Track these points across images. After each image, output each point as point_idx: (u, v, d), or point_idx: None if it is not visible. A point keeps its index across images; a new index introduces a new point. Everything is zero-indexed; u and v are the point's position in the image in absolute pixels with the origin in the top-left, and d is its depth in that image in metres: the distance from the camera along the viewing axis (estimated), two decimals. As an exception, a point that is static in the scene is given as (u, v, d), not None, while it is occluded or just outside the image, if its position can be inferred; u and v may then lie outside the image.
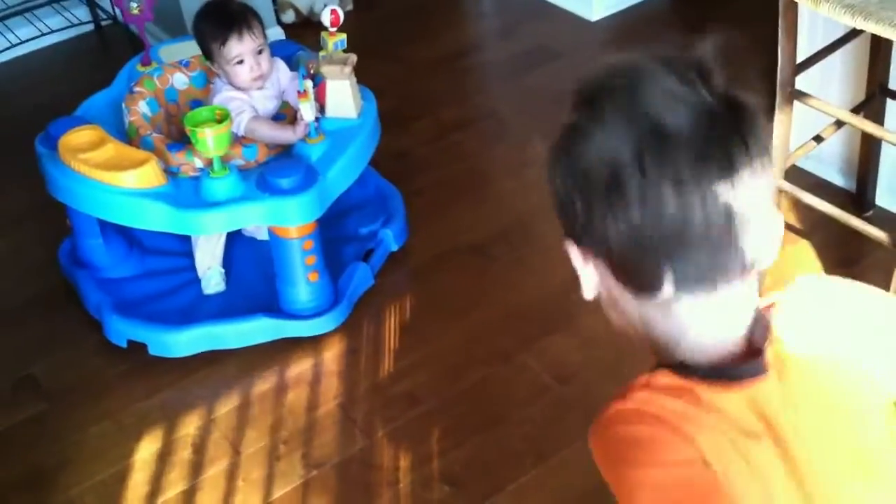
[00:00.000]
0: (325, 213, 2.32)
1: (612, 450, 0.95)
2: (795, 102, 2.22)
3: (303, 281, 2.34)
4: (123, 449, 2.18)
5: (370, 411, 2.22)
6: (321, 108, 2.40)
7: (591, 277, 0.98)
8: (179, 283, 2.51)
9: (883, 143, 2.47)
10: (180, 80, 2.60)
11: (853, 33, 2.24)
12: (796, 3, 2.07)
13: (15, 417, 2.29)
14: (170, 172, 2.30)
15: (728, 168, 0.87)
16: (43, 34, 3.64)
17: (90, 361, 2.41)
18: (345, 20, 2.46)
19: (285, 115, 2.51)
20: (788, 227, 2.35)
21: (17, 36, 3.61)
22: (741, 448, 0.91)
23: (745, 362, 0.94)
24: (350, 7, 3.81)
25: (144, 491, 2.09)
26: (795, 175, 2.58)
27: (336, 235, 2.55)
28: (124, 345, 2.38)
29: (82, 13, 3.78)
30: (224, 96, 2.39)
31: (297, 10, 3.75)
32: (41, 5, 3.67)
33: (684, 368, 0.95)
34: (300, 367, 2.34)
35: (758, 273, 0.94)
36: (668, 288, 0.92)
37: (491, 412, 2.19)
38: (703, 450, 0.89)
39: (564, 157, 0.92)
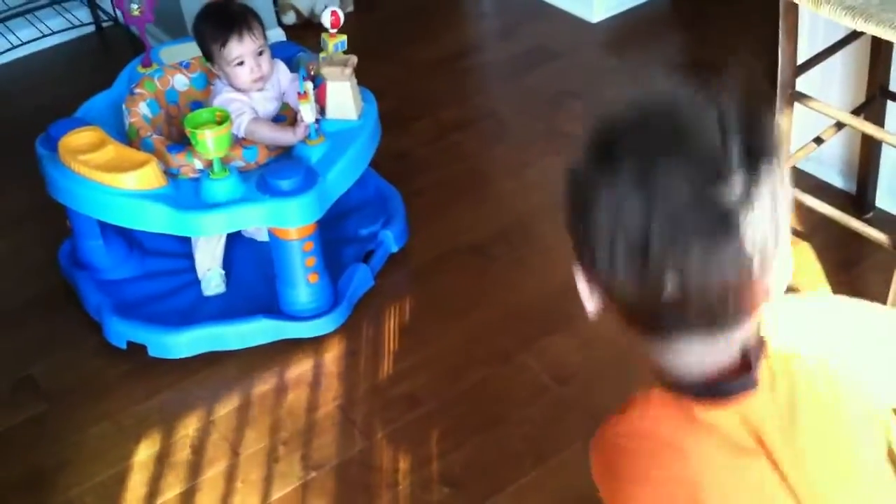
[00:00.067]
0: (326, 215, 2.32)
1: (607, 465, 0.96)
2: (796, 104, 2.22)
3: (303, 282, 2.34)
4: (123, 450, 2.18)
5: (370, 413, 2.22)
6: (321, 110, 2.40)
7: (595, 301, 0.98)
8: (179, 284, 2.51)
9: (883, 144, 2.46)
10: (181, 81, 2.60)
11: (853, 35, 2.24)
12: (797, 4, 2.07)
13: (15, 418, 2.29)
14: (170, 174, 2.30)
15: (737, 256, 0.87)
16: (44, 35, 3.65)
17: (90, 362, 2.41)
18: (345, 21, 2.46)
19: (285, 116, 2.51)
20: (788, 228, 2.35)
21: (18, 37, 3.61)
22: (734, 464, 0.92)
23: (738, 377, 0.94)
24: (351, 8, 3.81)
25: (143, 492, 2.09)
26: (796, 177, 2.58)
27: (336, 237, 2.55)
28: (124, 346, 2.38)
29: (83, 14, 3.79)
30: (224, 98, 2.39)
31: (297, 12, 3.76)
32: (42, 6, 3.67)
33: (679, 386, 0.96)
34: (300, 369, 2.34)
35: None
36: (668, 336, 0.93)
37: (490, 413, 2.19)
38: (697, 467, 0.90)
39: (580, 200, 0.92)
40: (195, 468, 2.13)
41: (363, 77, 2.48)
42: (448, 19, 3.85)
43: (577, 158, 0.93)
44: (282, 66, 2.51)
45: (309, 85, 2.28)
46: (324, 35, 2.44)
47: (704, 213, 0.85)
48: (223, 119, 2.21)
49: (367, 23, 3.73)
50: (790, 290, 0.96)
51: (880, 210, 2.61)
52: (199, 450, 2.17)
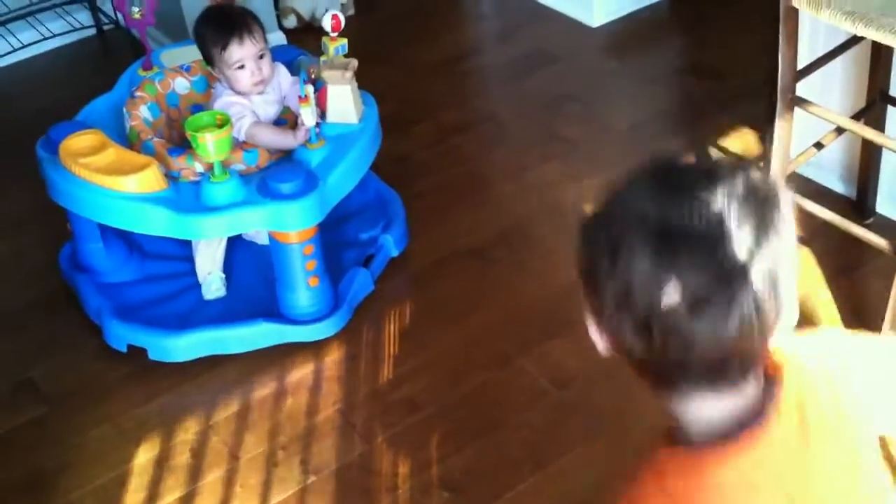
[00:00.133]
0: (326, 218, 2.32)
1: None
2: (796, 109, 2.22)
3: (303, 286, 2.34)
4: (123, 453, 2.18)
5: (369, 417, 2.22)
6: (322, 114, 2.40)
7: (606, 346, 1.00)
8: (179, 287, 2.51)
9: (883, 150, 2.47)
10: (182, 84, 2.60)
11: (854, 40, 2.24)
12: (797, 9, 2.07)
13: (15, 421, 2.29)
14: (170, 177, 2.31)
15: (741, 319, 0.89)
16: (45, 38, 3.65)
17: (90, 365, 2.41)
18: (346, 25, 2.46)
19: (286, 120, 2.51)
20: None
21: (19, 40, 3.61)
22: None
23: (749, 423, 0.96)
24: (351, 12, 3.82)
25: (143, 496, 2.09)
26: (796, 182, 2.58)
27: (336, 240, 2.56)
28: (124, 349, 2.38)
29: (84, 17, 3.79)
30: (225, 101, 2.39)
31: (298, 15, 3.76)
32: (44, 9, 3.67)
33: (691, 439, 0.98)
34: (300, 373, 2.34)
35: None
36: (677, 390, 0.96)
37: (490, 417, 2.19)
38: None
39: (588, 260, 0.96)
40: (195, 472, 2.13)
41: (364, 80, 2.48)
42: (448, 22, 3.85)
43: (588, 217, 0.98)
44: (283, 70, 2.51)
45: (310, 88, 2.28)
46: (324, 39, 2.45)
47: (708, 281, 0.87)
48: (224, 122, 2.21)
49: (368, 26, 3.73)
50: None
51: (880, 215, 2.61)
52: (198, 454, 2.17)
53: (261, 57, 2.40)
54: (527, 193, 2.83)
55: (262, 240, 2.53)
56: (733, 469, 0.94)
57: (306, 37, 3.54)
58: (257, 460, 2.14)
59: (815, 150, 2.42)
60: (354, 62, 2.40)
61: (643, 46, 3.53)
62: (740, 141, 2.95)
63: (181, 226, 2.25)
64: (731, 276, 0.87)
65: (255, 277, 2.52)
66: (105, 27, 3.84)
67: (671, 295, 0.87)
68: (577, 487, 2.02)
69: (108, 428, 2.25)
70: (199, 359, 2.36)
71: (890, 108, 2.42)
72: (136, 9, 2.61)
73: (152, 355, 2.36)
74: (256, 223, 2.28)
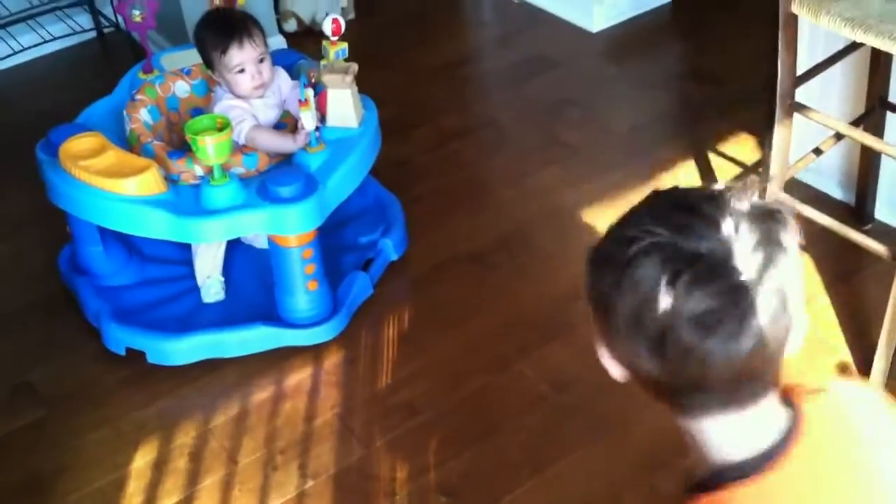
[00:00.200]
0: (325, 222, 2.32)
1: None
2: (795, 115, 2.23)
3: (302, 290, 2.34)
4: (121, 456, 2.18)
5: (368, 421, 2.22)
6: (322, 117, 2.40)
7: (622, 373, 1.01)
8: (178, 291, 2.51)
9: (882, 156, 2.47)
10: (182, 88, 2.60)
11: (853, 46, 2.24)
12: (796, 15, 2.07)
13: (13, 424, 2.29)
14: (170, 180, 2.31)
15: (754, 337, 0.91)
16: (45, 41, 3.65)
17: (89, 368, 2.41)
18: (346, 29, 2.46)
19: (286, 123, 2.51)
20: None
21: (19, 43, 3.61)
22: None
23: (774, 447, 0.97)
24: (352, 16, 3.82)
25: (141, 499, 2.09)
26: (795, 188, 2.58)
27: (335, 244, 2.56)
28: (123, 352, 2.38)
29: (85, 20, 3.79)
30: (225, 105, 2.39)
31: (298, 19, 3.76)
32: (44, 12, 3.67)
33: (720, 478, 0.97)
34: (298, 377, 2.34)
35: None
36: (694, 414, 0.97)
37: (488, 422, 2.19)
38: None
39: (599, 287, 0.97)
40: (193, 476, 2.13)
41: (364, 84, 2.48)
42: (449, 27, 3.86)
43: (597, 243, 0.99)
44: (283, 74, 2.52)
45: (310, 92, 2.28)
46: (325, 43, 2.45)
47: (719, 300, 0.89)
48: (224, 126, 2.21)
49: (368, 30, 3.73)
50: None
51: (879, 221, 2.61)
52: (197, 457, 2.17)
53: (261, 61, 2.40)
54: (526, 198, 2.83)
55: (261, 243, 2.53)
56: (759, 497, 0.95)
57: (306, 41, 3.55)
58: (256, 464, 2.14)
59: (814, 155, 2.42)
60: (355, 66, 2.41)
61: (643, 52, 3.54)
62: (739, 146, 2.95)
63: (181, 229, 2.25)
64: (741, 294, 0.89)
65: (253, 281, 2.52)
66: (105, 30, 3.84)
67: (683, 316, 0.89)
68: (575, 492, 2.02)
69: (106, 431, 2.25)
70: (198, 362, 2.36)
71: (889, 114, 2.42)
72: (136, 12, 2.61)
73: (151, 358, 2.36)
74: (256, 227, 2.28)
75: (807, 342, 0.99)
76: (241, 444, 2.19)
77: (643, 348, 0.93)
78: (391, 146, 2.68)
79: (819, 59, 2.33)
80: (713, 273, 0.89)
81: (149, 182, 2.24)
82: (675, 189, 0.99)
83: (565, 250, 2.64)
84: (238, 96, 2.41)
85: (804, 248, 0.96)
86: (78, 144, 2.31)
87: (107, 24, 3.81)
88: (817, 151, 2.41)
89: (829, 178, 2.71)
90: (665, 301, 0.89)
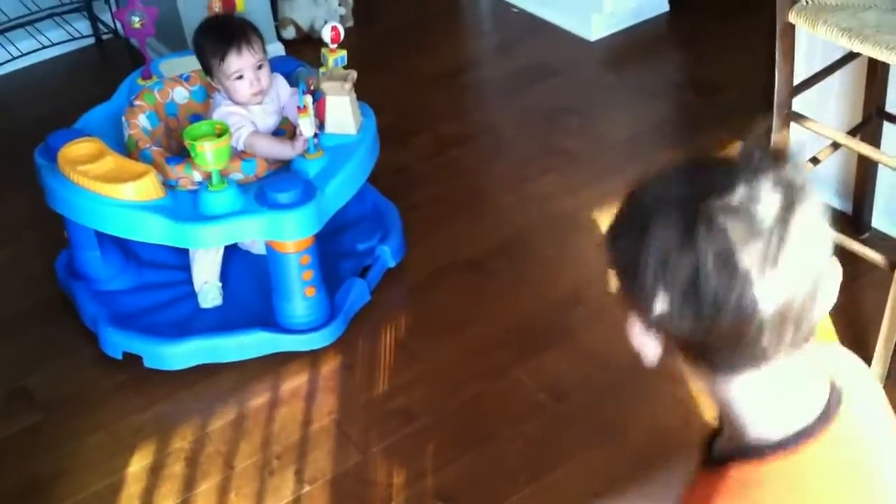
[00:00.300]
0: (323, 229, 2.32)
1: None
2: (792, 124, 2.23)
3: (299, 295, 2.35)
4: (118, 461, 2.18)
5: (365, 427, 2.22)
6: (321, 124, 2.41)
7: (653, 349, 0.98)
8: (175, 296, 2.51)
9: (879, 165, 2.48)
10: (181, 94, 2.61)
11: (850, 56, 2.25)
12: (794, 25, 2.08)
13: (10, 428, 2.29)
14: (168, 185, 2.31)
15: (786, 282, 0.89)
16: (44, 47, 3.65)
17: (86, 373, 2.41)
18: (345, 37, 2.47)
19: (285, 130, 2.51)
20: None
21: (17, 48, 3.62)
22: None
23: (814, 413, 0.96)
24: (350, 24, 3.83)
25: (137, 504, 2.09)
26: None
27: (333, 251, 2.56)
28: (120, 357, 2.38)
29: (83, 27, 3.80)
30: (223, 111, 2.40)
31: (297, 27, 3.77)
32: (42, 19, 3.68)
33: (756, 452, 0.96)
34: (295, 382, 2.34)
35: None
36: (730, 370, 0.95)
37: (486, 428, 2.19)
38: None
39: (626, 248, 0.94)
40: (189, 480, 2.13)
41: (362, 92, 2.49)
42: (447, 35, 3.87)
43: (619, 209, 0.97)
44: (281, 81, 2.52)
45: (308, 99, 2.29)
46: (324, 50, 2.46)
47: (748, 241, 0.87)
48: (222, 132, 2.21)
49: (367, 38, 3.75)
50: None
51: (876, 230, 2.62)
52: (193, 462, 2.17)
53: (259, 67, 2.40)
54: (525, 205, 2.84)
55: (258, 249, 2.53)
56: (795, 468, 0.93)
57: (305, 48, 3.56)
58: (252, 469, 2.14)
59: (811, 164, 2.42)
60: (353, 74, 2.41)
61: (641, 60, 3.55)
62: (737, 155, 2.95)
63: (178, 234, 2.25)
64: (766, 238, 0.87)
65: (251, 287, 2.52)
66: (104, 37, 3.85)
67: (709, 262, 0.87)
68: (572, 499, 2.02)
69: (103, 435, 2.24)
70: (195, 367, 2.36)
71: (886, 123, 2.43)
72: (136, 18, 2.62)
73: (148, 363, 2.36)
74: (254, 232, 2.28)
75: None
76: (237, 449, 2.19)
77: (674, 305, 0.90)
78: (390, 153, 2.69)
79: (816, 69, 2.34)
80: (736, 218, 0.87)
81: (147, 187, 2.24)
82: (697, 154, 0.99)
83: (564, 257, 2.64)
84: (237, 103, 2.42)
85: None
86: (76, 149, 2.32)
87: (105, 30, 3.82)
88: (814, 160, 2.42)
89: (826, 187, 2.71)
90: (690, 250, 0.87)
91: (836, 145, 2.38)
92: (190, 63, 2.58)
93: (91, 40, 3.84)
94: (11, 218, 2.94)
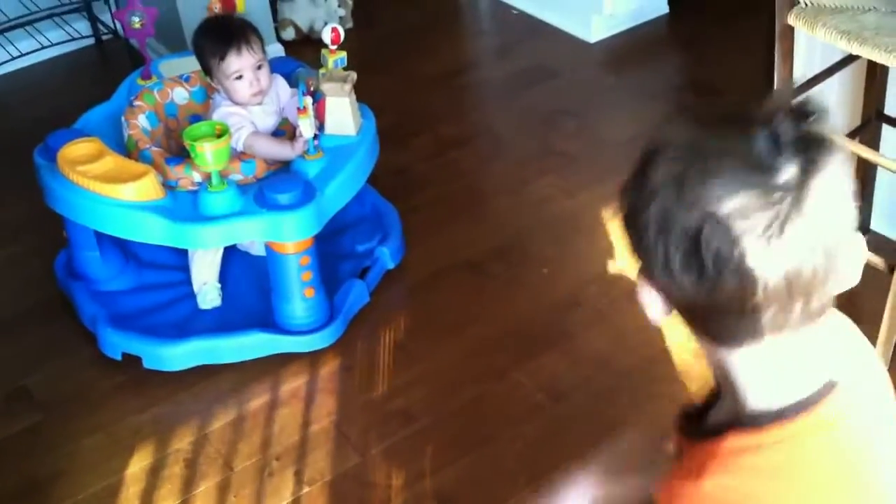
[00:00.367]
0: (322, 230, 2.32)
1: None
2: (792, 126, 2.23)
3: (299, 297, 2.35)
4: (117, 462, 2.17)
5: (364, 428, 2.22)
6: (320, 125, 2.41)
7: (658, 308, 0.93)
8: (175, 296, 2.51)
9: (878, 168, 2.48)
10: (180, 94, 2.61)
11: (849, 58, 2.25)
12: (793, 27, 2.08)
13: (9, 428, 2.28)
14: (168, 186, 2.31)
15: (797, 250, 0.83)
16: (43, 47, 3.65)
17: (85, 373, 2.40)
18: (345, 38, 2.47)
19: (284, 131, 2.51)
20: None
21: (17, 49, 3.62)
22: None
23: (819, 387, 0.93)
24: (350, 25, 3.83)
25: (136, 505, 2.09)
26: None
27: (333, 252, 2.56)
28: (119, 357, 2.38)
29: (83, 27, 3.80)
30: (223, 111, 2.40)
31: (297, 28, 3.77)
32: (42, 19, 3.68)
33: (754, 421, 0.92)
34: (294, 383, 2.34)
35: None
36: (731, 341, 0.90)
37: (485, 430, 2.19)
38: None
39: (631, 205, 0.89)
40: (188, 482, 2.13)
41: (362, 93, 2.49)
42: (447, 37, 3.87)
43: (630, 167, 0.91)
44: (281, 82, 2.52)
45: (308, 100, 2.29)
46: (324, 51, 2.46)
47: (755, 203, 0.81)
48: (222, 132, 2.21)
49: (367, 39, 3.75)
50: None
51: (875, 233, 2.62)
52: (192, 463, 2.17)
53: (259, 67, 2.40)
54: (524, 207, 2.84)
55: (257, 250, 2.53)
56: (792, 439, 0.90)
57: (304, 49, 3.56)
58: (251, 470, 2.14)
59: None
60: (353, 75, 2.41)
61: (641, 62, 3.55)
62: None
63: (178, 235, 2.25)
64: (780, 196, 0.81)
65: (250, 288, 2.52)
66: (104, 37, 3.85)
67: (715, 218, 0.81)
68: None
69: (102, 436, 2.24)
70: (194, 368, 2.36)
71: (885, 126, 2.43)
72: (136, 19, 2.62)
73: (147, 364, 2.36)
74: (253, 233, 2.28)
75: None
76: (236, 450, 2.19)
77: (675, 264, 0.84)
78: (389, 154, 2.69)
79: (815, 71, 2.34)
80: (748, 172, 0.81)
81: (146, 188, 2.24)
82: (713, 102, 0.92)
83: (563, 259, 2.64)
84: (236, 103, 2.42)
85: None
86: (76, 149, 2.32)
87: (105, 30, 3.82)
88: (814, 163, 2.42)
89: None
90: (692, 209, 0.82)
91: (835, 148, 2.38)
92: (190, 64, 2.58)
93: (91, 41, 3.85)
94: (11, 218, 2.93)
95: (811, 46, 2.47)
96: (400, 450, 2.16)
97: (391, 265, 2.61)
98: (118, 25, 3.32)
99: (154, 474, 2.15)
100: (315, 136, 2.35)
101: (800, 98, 0.86)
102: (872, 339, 2.16)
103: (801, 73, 2.37)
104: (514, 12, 3.88)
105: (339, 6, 3.83)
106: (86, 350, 2.44)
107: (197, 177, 2.31)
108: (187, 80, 2.61)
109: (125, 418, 2.28)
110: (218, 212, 2.24)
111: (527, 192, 2.90)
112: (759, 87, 2.25)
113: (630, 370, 2.29)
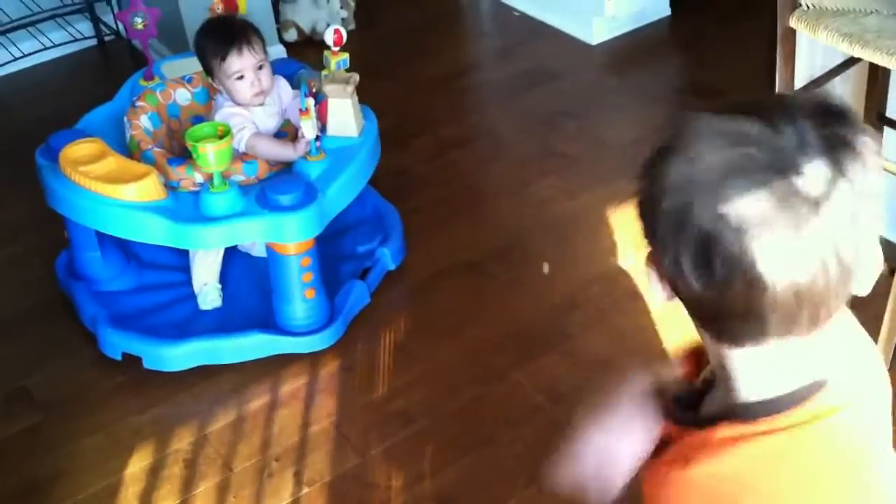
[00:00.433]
0: (324, 231, 2.32)
1: None
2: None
3: (299, 297, 2.35)
4: (116, 462, 2.18)
5: (364, 429, 2.22)
6: (322, 127, 2.41)
7: (664, 293, 0.91)
8: (175, 297, 2.51)
9: (879, 170, 2.47)
10: (183, 95, 2.61)
11: (851, 61, 2.25)
12: (794, 30, 2.08)
13: (9, 429, 2.28)
14: (170, 187, 2.31)
15: (813, 257, 0.81)
16: (46, 48, 3.66)
17: (85, 374, 2.41)
18: (347, 40, 2.48)
19: (286, 132, 2.52)
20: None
21: (19, 49, 3.62)
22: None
23: (815, 386, 0.91)
24: (352, 27, 3.83)
25: (136, 505, 2.09)
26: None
27: (333, 253, 2.56)
28: (119, 358, 2.38)
29: (85, 28, 3.80)
30: (225, 112, 2.40)
31: (299, 29, 3.77)
32: (44, 19, 3.68)
33: (747, 412, 0.91)
34: (294, 384, 2.34)
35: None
36: (736, 341, 0.89)
37: (484, 431, 2.19)
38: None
39: (646, 194, 0.87)
40: (188, 482, 2.13)
41: (364, 94, 2.49)
42: (449, 38, 3.87)
43: (647, 156, 0.88)
44: (283, 83, 2.53)
45: (310, 101, 2.29)
46: (326, 53, 2.46)
47: (774, 205, 0.79)
48: (225, 133, 2.22)
49: (369, 41, 3.75)
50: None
51: (876, 235, 2.62)
52: (192, 463, 2.17)
53: (260, 67, 2.41)
54: (525, 208, 2.84)
55: (257, 251, 2.53)
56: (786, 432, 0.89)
57: (306, 50, 3.56)
58: (251, 471, 2.14)
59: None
60: (356, 76, 2.42)
61: (642, 64, 3.55)
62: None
63: (179, 235, 2.25)
64: (800, 202, 0.78)
65: (250, 288, 2.52)
66: (106, 38, 3.85)
67: (730, 220, 0.79)
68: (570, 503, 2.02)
69: (101, 437, 2.24)
70: (194, 368, 2.36)
71: (887, 129, 2.43)
72: (138, 20, 2.63)
73: (147, 364, 2.36)
74: (255, 234, 2.28)
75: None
76: (236, 451, 2.19)
77: (687, 261, 0.82)
78: (390, 156, 2.69)
79: (817, 74, 2.34)
80: (768, 173, 0.79)
81: (148, 188, 2.24)
82: (737, 97, 0.89)
83: (563, 260, 2.64)
84: (238, 104, 2.42)
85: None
86: (78, 150, 2.32)
87: (107, 31, 3.82)
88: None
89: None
90: (710, 202, 0.80)
91: (836, 150, 2.38)
92: (192, 65, 2.58)
93: (93, 41, 3.85)
94: (12, 218, 2.94)
95: (813, 49, 2.47)
96: (400, 451, 2.16)
97: (392, 266, 2.61)
98: (121, 26, 3.32)
99: (154, 475, 2.15)
100: (317, 138, 2.35)
101: (827, 97, 0.83)
102: (872, 340, 2.16)
103: (802, 75, 2.37)
104: (516, 14, 3.88)
105: (342, 8, 3.84)
106: (86, 350, 2.44)
107: (199, 177, 2.31)
108: (190, 81, 2.62)
109: (125, 418, 2.28)
110: (219, 212, 2.24)
111: (527, 193, 2.90)
112: (760, 89, 2.25)
113: (629, 371, 2.29)
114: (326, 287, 2.40)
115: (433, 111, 3.32)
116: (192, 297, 2.48)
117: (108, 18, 3.74)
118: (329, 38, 2.43)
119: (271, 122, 2.49)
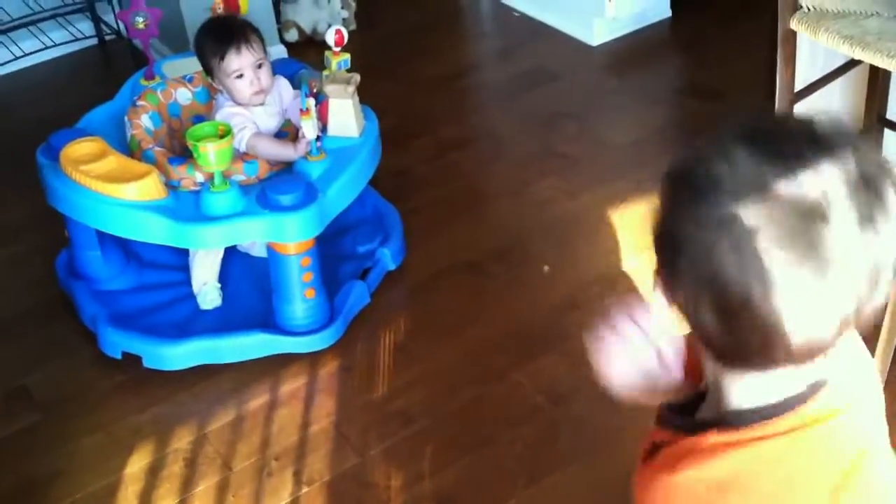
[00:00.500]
0: (324, 231, 2.32)
1: None
2: (793, 130, 2.24)
3: (299, 297, 2.35)
4: (116, 461, 2.17)
5: (364, 429, 2.22)
6: (323, 127, 2.41)
7: (668, 323, 0.91)
8: (175, 296, 2.51)
9: (879, 172, 2.48)
10: (184, 95, 2.61)
11: (852, 63, 2.26)
12: (795, 32, 2.09)
13: (8, 428, 2.28)
14: (170, 186, 2.31)
15: (835, 309, 0.81)
16: (46, 47, 3.66)
17: (84, 373, 2.40)
18: (348, 40, 2.48)
19: (287, 132, 2.52)
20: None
21: (20, 48, 3.62)
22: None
23: (803, 397, 0.92)
24: (353, 27, 3.84)
25: (136, 504, 2.09)
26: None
27: (334, 253, 2.56)
28: (119, 357, 2.38)
29: (86, 27, 3.80)
30: (226, 112, 2.40)
31: (300, 29, 3.78)
32: (45, 19, 3.69)
33: (738, 420, 0.91)
34: (294, 384, 2.34)
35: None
36: (745, 369, 0.90)
37: (484, 431, 2.19)
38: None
39: (667, 234, 0.85)
40: (188, 481, 2.13)
41: (365, 95, 2.49)
42: (450, 39, 3.87)
43: (672, 170, 0.86)
44: (284, 83, 2.53)
45: (311, 101, 2.29)
46: (327, 53, 2.46)
47: (800, 262, 0.78)
48: (225, 133, 2.22)
49: (370, 41, 3.75)
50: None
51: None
52: (191, 463, 2.17)
53: (259, 66, 2.41)
54: (525, 209, 2.84)
55: (257, 252, 2.53)
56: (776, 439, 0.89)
57: (307, 50, 3.56)
58: (250, 470, 2.14)
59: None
60: (357, 77, 2.42)
61: (643, 65, 3.55)
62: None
63: (180, 235, 2.25)
64: (826, 262, 0.77)
65: (250, 288, 2.52)
66: (107, 37, 3.85)
67: (765, 279, 0.77)
68: (570, 502, 2.02)
69: (101, 436, 2.24)
70: (194, 368, 2.36)
71: (887, 131, 2.44)
72: (140, 19, 2.63)
73: (147, 363, 2.36)
74: (255, 234, 2.28)
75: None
76: (235, 450, 2.19)
77: (705, 304, 0.81)
78: (391, 156, 2.69)
79: (818, 76, 2.34)
80: (798, 228, 0.76)
81: (149, 187, 2.24)
82: (768, 120, 0.86)
83: (563, 261, 2.64)
84: (239, 104, 2.42)
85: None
86: (79, 149, 2.32)
87: (108, 31, 3.82)
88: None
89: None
90: (742, 249, 0.77)
91: (836, 152, 2.39)
92: (192, 64, 2.58)
93: (94, 41, 3.85)
94: (12, 217, 2.94)
95: (813, 51, 2.47)
96: (399, 450, 2.16)
97: (392, 266, 2.61)
98: (122, 26, 3.32)
99: (153, 474, 2.15)
100: (318, 138, 2.35)
101: (867, 155, 0.80)
102: (872, 343, 2.16)
103: (803, 77, 2.37)
104: (516, 14, 3.88)
105: (343, 8, 3.84)
106: (86, 350, 2.44)
107: (199, 177, 2.31)
108: (190, 80, 2.62)
109: (125, 418, 2.28)
110: (220, 212, 2.24)
111: (528, 193, 2.90)
112: (761, 90, 2.25)
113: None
114: (326, 287, 2.40)
115: (434, 111, 3.32)
116: (192, 296, 2.48)
117: (109, 18, 3.74)
118: (330, 38, 2.43)
119: (272, 122, 2.50)
